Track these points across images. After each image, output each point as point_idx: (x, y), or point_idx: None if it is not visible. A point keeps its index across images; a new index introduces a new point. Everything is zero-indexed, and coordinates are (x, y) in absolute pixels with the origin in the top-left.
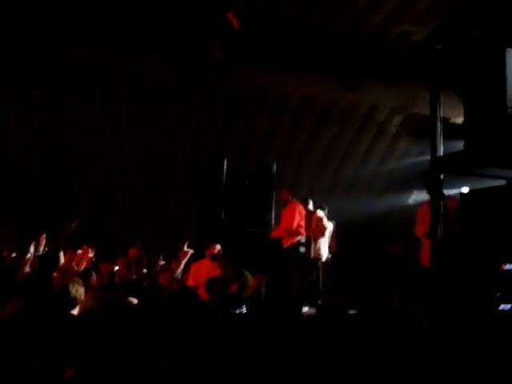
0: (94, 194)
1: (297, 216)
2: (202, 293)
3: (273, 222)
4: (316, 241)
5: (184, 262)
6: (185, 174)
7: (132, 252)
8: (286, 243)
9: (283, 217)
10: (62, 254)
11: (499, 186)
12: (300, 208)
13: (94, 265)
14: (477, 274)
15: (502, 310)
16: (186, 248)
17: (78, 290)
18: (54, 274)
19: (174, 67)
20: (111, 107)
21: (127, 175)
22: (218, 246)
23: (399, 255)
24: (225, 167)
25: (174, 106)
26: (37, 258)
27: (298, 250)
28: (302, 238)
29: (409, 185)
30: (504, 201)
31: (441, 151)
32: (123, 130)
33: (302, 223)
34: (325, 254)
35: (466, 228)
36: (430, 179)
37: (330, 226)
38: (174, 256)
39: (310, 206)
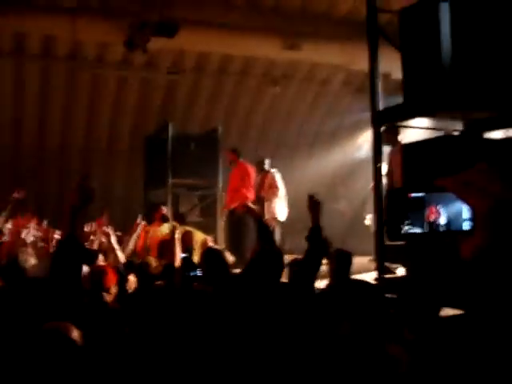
0: (39, 164)
1: (239, 178)
2: (155, 256)
3: (220, 184)
4: (270, 201)
5: (136, 234)
6: (131, 140)
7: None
8: (232, 205)
9: (233, 178)
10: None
11: (437, 137)
12: (246, 169)
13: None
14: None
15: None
16: (139, 220)
17: (28, 261)
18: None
19: (116, 31)
20: (54, 75)
21: (72, 144)
22: (165, 208)
23: (344, 212)
24: (170, 132)
25: (116, 72)
26: None
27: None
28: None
29: (352, 142)
30: (441, 151)
31: (380, 106)
32: (67, 98)
33: (252, 183)
34: (283, 213)
35: (408, 177)
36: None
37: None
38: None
39: (267, 166)
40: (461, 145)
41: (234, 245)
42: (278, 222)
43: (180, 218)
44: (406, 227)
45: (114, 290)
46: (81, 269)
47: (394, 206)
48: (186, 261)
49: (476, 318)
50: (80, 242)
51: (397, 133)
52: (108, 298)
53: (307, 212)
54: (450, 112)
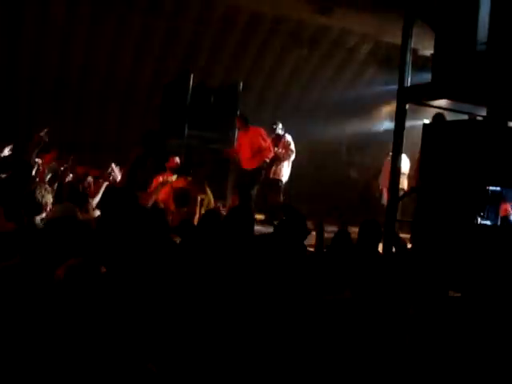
0: (56, 105)
1: (261, 139)
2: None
3: (235, 140)
4: (281, 163)
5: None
6: (150, 87)
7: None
8: (251, 166)
9: (245, 142)
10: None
11: (462, 120)
12: (262, 131)
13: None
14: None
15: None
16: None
17: (45, 196)
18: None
19: None
20: (78, 13)
21: (91, 86)
22: (177, 159)
23: (359, 179)
24: (191, 83)
25: (141, 18)
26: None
27: (261, 172)
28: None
29: (372, 113)
30: (464, 135)
31: (408, 82)
32: (89, 39)
33: (266, 145)
34: (286, 176)
35: (427, 157)
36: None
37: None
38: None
39: (279, 129)
40: (485, 130)
41: None
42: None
43: (187, 171)
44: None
45: None
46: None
47: (471, 196)
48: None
49: None
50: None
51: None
52: None
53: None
54: (478, 97)
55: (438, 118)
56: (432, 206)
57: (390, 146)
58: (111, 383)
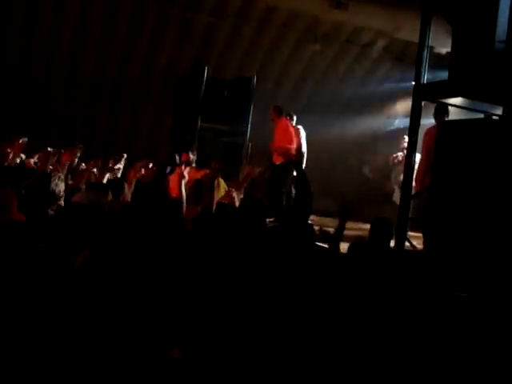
0: (69, 98)
1: (292, 135)
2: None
3: (248, 133)
4: None
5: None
6: (163, 79)
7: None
8: (276, 161)
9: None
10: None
11: (479, 119)
12: (290, 126)
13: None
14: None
15: None
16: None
17: (58, 185)
18: None
19: None
20: (93, 4)
21: (104, 77)
22: (190, 154)
23: (371, 176)
24: (205, 75)
25: (157, 9)
26: None
27: (289, 169)
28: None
29: (384, 110)
30: (481, 134)
31: (424, 79)
32: (104, 29)
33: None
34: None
35: (441, 155)
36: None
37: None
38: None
39: (294, 122)
40: (502, 129)
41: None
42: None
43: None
44: None
45: None
46: None
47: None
48: (221, 206)
49: None
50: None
51: (446, 112)
52: None
53: (324, 172)
54: (494, 96)
55: (441, 107)
56: (449, 205)
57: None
58: (131, 372)
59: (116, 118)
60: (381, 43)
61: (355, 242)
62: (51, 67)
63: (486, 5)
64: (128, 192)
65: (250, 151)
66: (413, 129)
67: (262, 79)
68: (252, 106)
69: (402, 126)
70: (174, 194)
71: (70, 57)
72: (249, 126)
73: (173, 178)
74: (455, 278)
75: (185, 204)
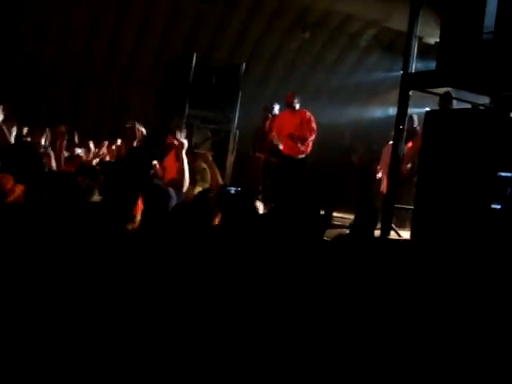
0: (59, 78)
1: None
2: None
3: (236, 121)
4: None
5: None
6: (152, 63)
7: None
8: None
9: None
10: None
11: (465, 109)
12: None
13: None
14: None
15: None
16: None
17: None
18: None
19: None
20: None
21: (92, 62)
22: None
23: (357, 164)
24: (194, 61)
25: None
26: None
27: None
28: None
29: (373, 99)
30: (466, 124)
31: (412, 69)
32: (92, 14)
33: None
34: None
35: (428, 145)
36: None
37: None
38: None
39: (276, 111)
40: (488, 120)
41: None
42: None
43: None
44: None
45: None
46: None
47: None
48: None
49: None
50: None
51: (449, 102)
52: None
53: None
54: (482, 86)
55: (446, 96)
56: (436, 194)
57: (390, 133)
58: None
59: (104, 105)
60: (370, 32)
61: (338, 235)
62: (36, 54)
63: None
64: None
65: (237, 138)
66: (400, 117)
67: (250, 68)
68: (240, 94)
69: (390, 116)
70: (171, 175)
71: (58, 43)
72: (237, 113)
73: (168, 158)
74: (441, 266)
75: (188, 182)
